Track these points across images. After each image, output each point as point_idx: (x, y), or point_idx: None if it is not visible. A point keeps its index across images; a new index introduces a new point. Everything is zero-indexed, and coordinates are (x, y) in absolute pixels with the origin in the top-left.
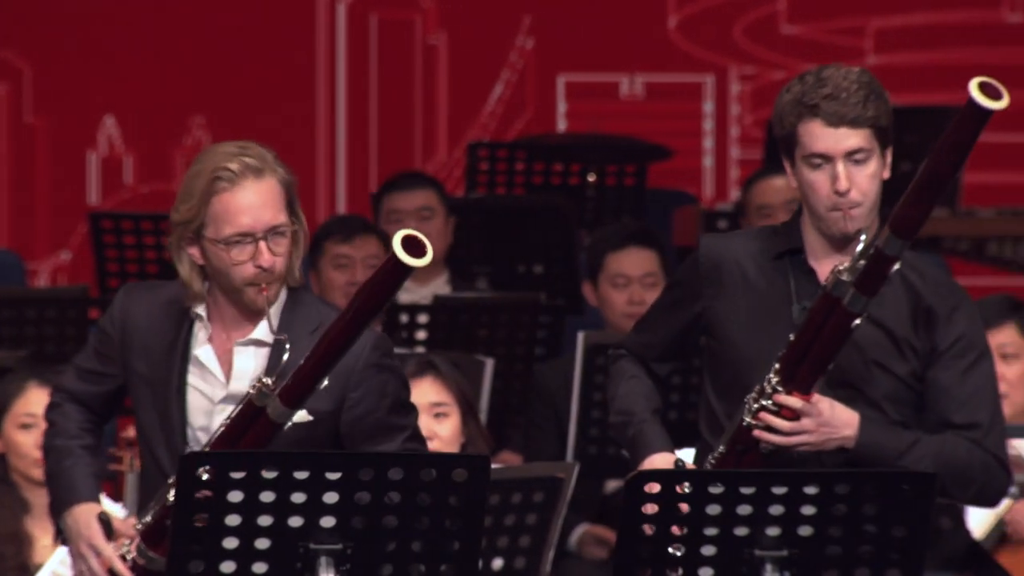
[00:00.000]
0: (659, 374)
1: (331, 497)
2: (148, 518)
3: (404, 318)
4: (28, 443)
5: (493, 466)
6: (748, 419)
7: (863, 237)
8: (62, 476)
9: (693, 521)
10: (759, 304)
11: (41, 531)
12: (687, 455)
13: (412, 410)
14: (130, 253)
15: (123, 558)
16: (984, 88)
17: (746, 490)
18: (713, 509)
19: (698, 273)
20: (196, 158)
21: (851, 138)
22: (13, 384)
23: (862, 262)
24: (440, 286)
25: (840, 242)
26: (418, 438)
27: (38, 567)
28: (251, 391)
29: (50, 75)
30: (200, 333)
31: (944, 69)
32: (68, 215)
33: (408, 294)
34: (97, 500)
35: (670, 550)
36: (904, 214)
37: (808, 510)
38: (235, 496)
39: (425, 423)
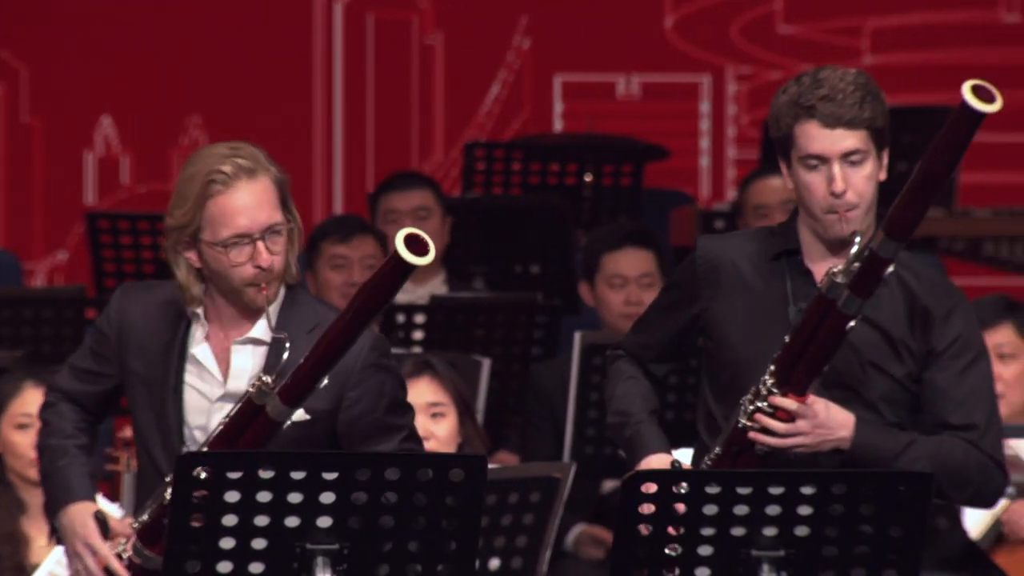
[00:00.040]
0: (656, 375)
1: (328, 497)
2: (145, 517)
3: (401, 318)
4: (24, 443)
5: (490, 466)
6: (744, 421)
7: (858, 239)
8: (57, 475)
9: (690, 521)
10: (756, 305)
11: (37, 531)
12: (684, 455)
13: (409, 410)
14: (127, 253)
15: (119, 557)
16: (977, 91)
17: (743, 490)
18: (710, 509)
19: (695, 275)
20: (187, 162)
21: (847, 139)
22: (9, 384)
23: (856, 264)
24: (437, 286)
25: (836, 243)
26: (415, 438)
27: (34, 567)
28: (250, 389)
29: (47, 75)
30: (197, 332)
31: (941, 69)
32: (65, 215)
33: (405, 294)
34: (93, 499)
35: (667, 550)
36: (898, 216)
37: (805, 510)
38: (232, 496)
39: (422, 423)
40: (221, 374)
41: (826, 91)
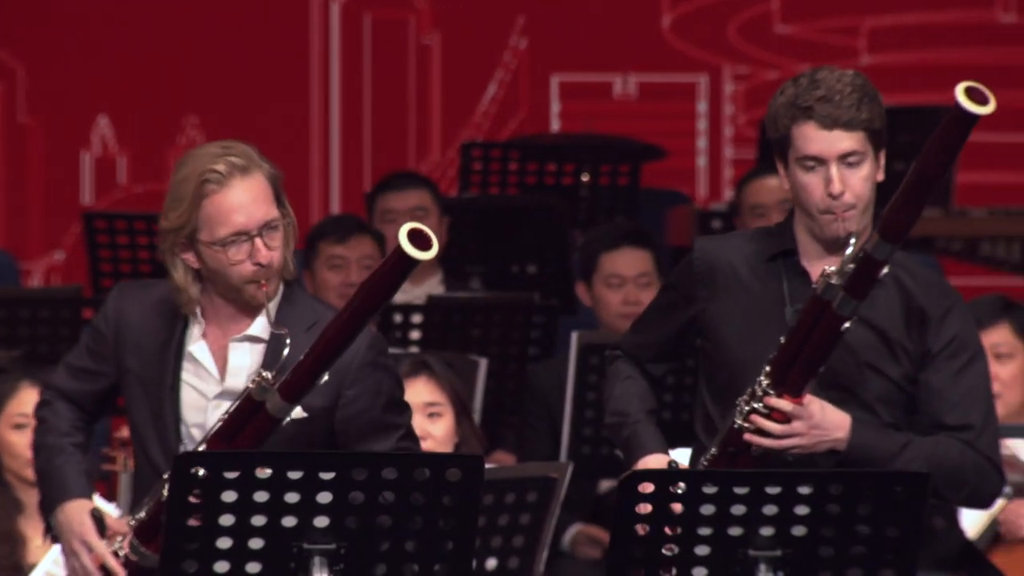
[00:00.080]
0: (654, 375)
1: (325, 497)
2: (142, 514)
3: (398, 318)
4: (21, 443)
5: (487, 466)
6: (739, 422)
7: (853, 240)
8: (53, 473)
9: (687, 521)
10: (753, 306)
11: (34, 531)
12: (682, 455)
13: (406, 409)
14: (124, 253)
15: (115, 555)
16: (970, 93)
17: (740, 490)
18: (707, 509)
19: (692, 276)
20: (179, 163)
21: (845, 141)
22: (6, 384)
23: (851, 266)
24: (434, 286)
25: (833, 244)
26: (412, 437)
27: (31, 567)
28: (250, 385)
29: (44, 75)
30: (194, 330)
31: (937, 69)
32: (62, 215)
33: (402, 294)
34: (89, 497)
35: (664, 550)
36: (892, 218)
37: (802, 510)
38: (229, 496)
39: (419, 423)
40: (218, 372)
41: (823, 92)
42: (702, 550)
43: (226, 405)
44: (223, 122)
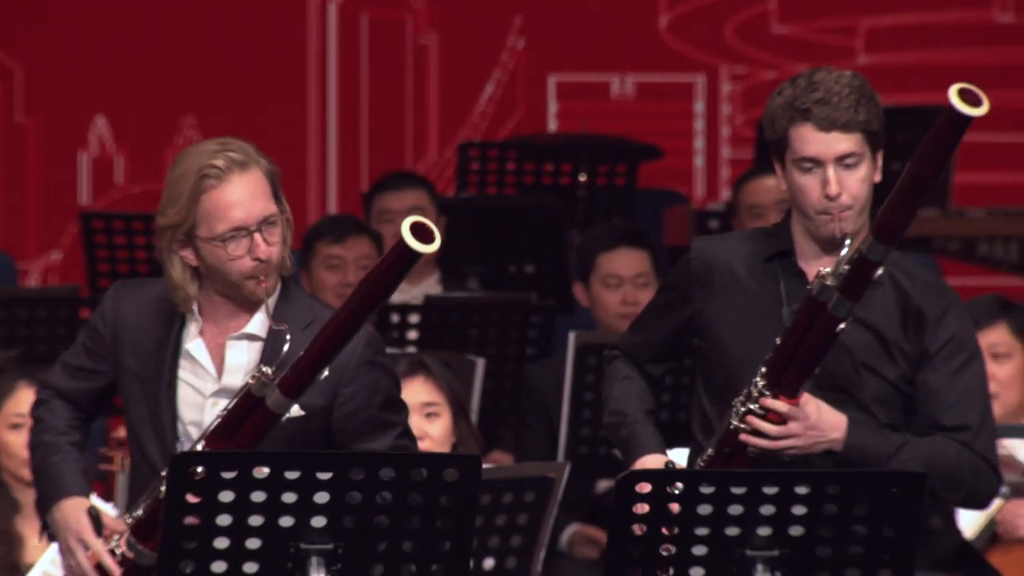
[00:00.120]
0: (653, 375)
1: (322, 497)
2: (139, 512)
3: (395, 318)
4: (18, 443)
5: (484, 466)
6: (735, 423)
7: (848, 241)
8: (50, 471)
9: (684, 521)
10: (750, 307)
11: (31, 531)
12: (680, 455)
13: (403, 407)
14: (121, 253)
15: (112, 553)
16: (964, 94)
17: (737, 490)
18: (704, 509)
19: (689, 276)
20: (175, 161)
21: (842, 142)
22: (3, 384)
23: (846, 267)
24: (431, 286)
25: (830, 245)
26: (409, 435)
27: (29, 567)
28: (250, 381)
29: (41, 75)
30: (191, 327)
31: (935, 69)
32: (59, 215)
33: (399, 294)
34: (86, 495)
35: (661, 550)
36: (886, 219)
37: (799, 510)
38: (226, 496)
39: (416, 423)
40: (215, 369)
41: (821, 94)
42: (699, 550)
43: (223, 403)
44: (221, 122)
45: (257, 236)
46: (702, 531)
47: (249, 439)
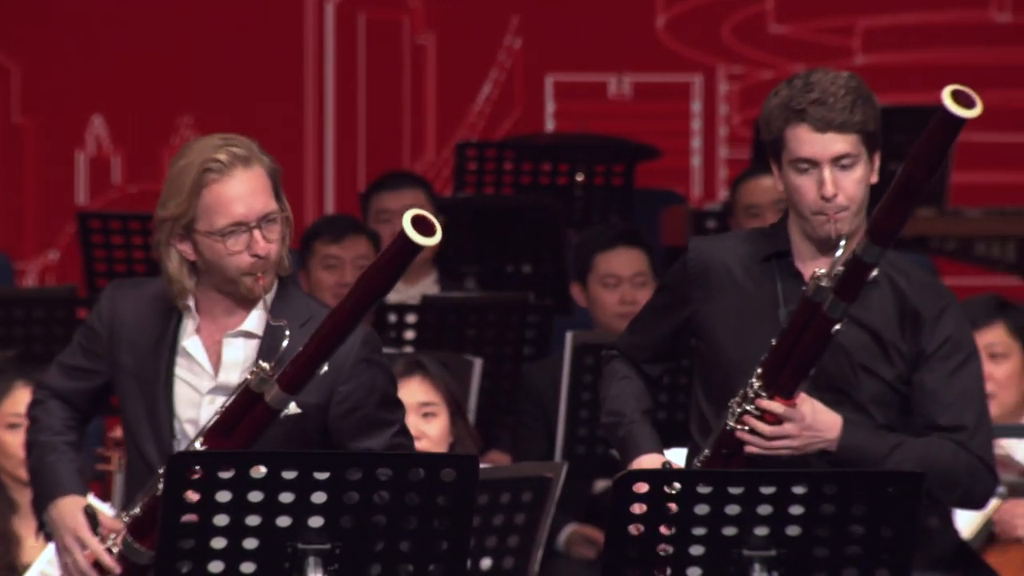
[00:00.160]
0: (651, 375)
1: (319, 497)
2: (136, 510)
3: (392, 318)
4: (15, 443)
5: (481, 466)
6: (732, 423)
7: (843, 243)
8: (46, 470)
9: (681, 521)
10: (747, 307)
11: (29, 531)
12: (677, 455)
13: (400, 406)
14: (118, 253)
15: (109, 552)
16: (957, 96)
17: (734, 490)
18: (701, 509)
19: (687, 276)
20: (178, 153)
21: (838, 143)
22: (0, 384)
23: (840, 268)
24: (428, 286)
25: (826, 245)
26: (406, 434)
27: (26, 567)
28: (249, 376)
29: (38, 75)
30: (188, 325)
31: (933, 69)
32: (56, 215)
33: (396, 294)
34: (83, 494)
35: (658, 550)
36: (881, 221)
37: (796, 510)
38: (223, 496)
39: (413, 423)
40: (212, 367)
41: (817, 95)
42: (696, 550)
43: (220, 400)
44: (218, 122)
45: (256, 232)
46: (699, 531)
47: (247, 436)
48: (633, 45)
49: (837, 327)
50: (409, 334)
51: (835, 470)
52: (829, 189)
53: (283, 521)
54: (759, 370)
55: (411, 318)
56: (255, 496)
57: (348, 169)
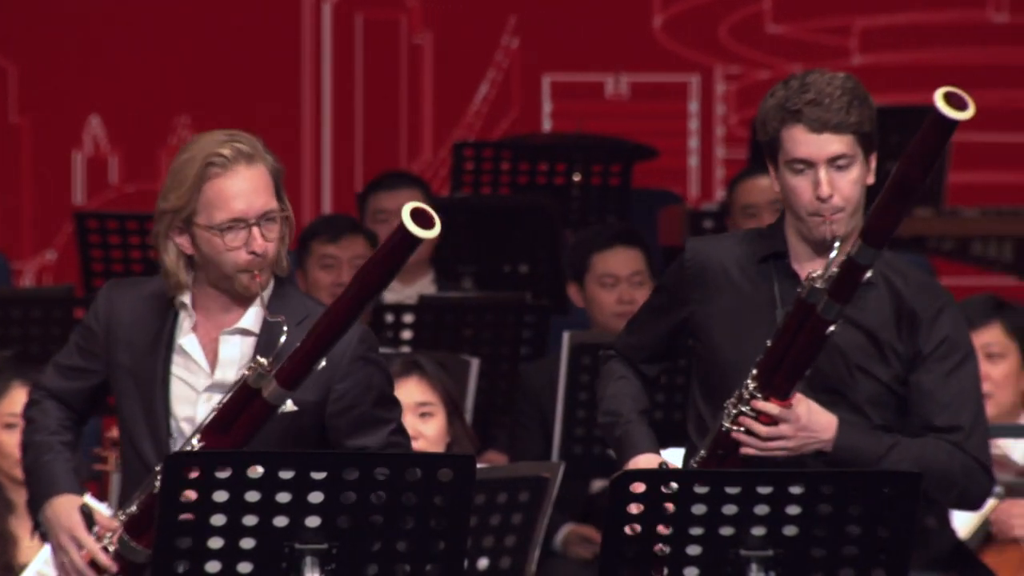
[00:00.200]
0: (648, 375)
1: (316, 497)
2: (132, 508)
3: (389, 318)
4: (12, 443)
5: (479, 466)
6: (727, 424)
7: (837, 244)
8: (42, 470)
9: (678, 521)
10: (744, 308)
11: (25, 531)
12: (674, 455)
13: (397, 404)
14: (115, 253)
15: (105, 550)
16: (949, 98)
17: (731, 490)
18: (698, 509)
19: (684, 277)
20: (183, 147)
21: (833, 144)
22: None
23: (835, 270)
24: (425, 286)
25: (822, 246)
26: (403, 432)
27: (23, 567)
28: (246, 372)
29: (35, 75)
30: (185, 323)
31: (929, 69)
32: (53, 215)
33: (393, 294)
34: (78, 493)
35: (655, 550)
36: (874, 223)
37: (793, 510)
38: (220, 496)
39: (410, 423)
40: (208, 364)
41: (813, 95)
42: (694, 550)
43: (216, 398)
44: (215, 122)
45: (255, 230)
46: (696, 531)
47: (245, 432)
48: (630, 45)
49: (832, 328)
50: (406, 334)
51: (832, 470)
52: (825, 190)
53: (280, 521)
54: (754, 371)
55: (408, 318)
56: (252, 496)
57: (345, 169)
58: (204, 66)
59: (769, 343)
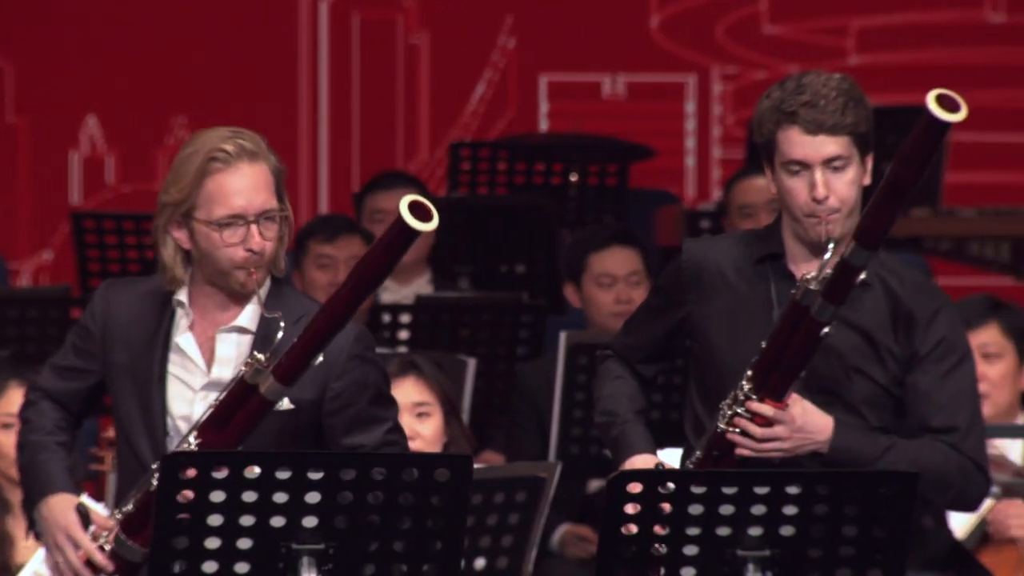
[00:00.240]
0: (645, 375)
1: (313, 497)
2: (129, 506)
3: (386, 318)
4: (9, 443)
5: (475, 466)
6: (722, 425)
7: (831, 246)
8: (37, 469)
9: (675, 521)
10: (740, 309)
11: (22, 531)
12: (670, 455)
13: (393, 403)
14: (112, 253)
15: (101, 549)
16: (941, 100)
17: (728, 490)
18: (695, 509)
19: (680, 278)
20: (187, 141)
21: (829, 145)
22: None
23: (828, 271)
24: (422, 286)
25: (819, 248)
26: (399, 430)
27: (19, 567)
28: (243, 368)
29: (32, 75)
30: (182, 321)
31: (926, 69)
32: (50, 215)
33: (390, 294)
34: (74, 492)
35: (652, 550)
36: (868, 225)
37: (790, 510)
38: (217, 496)
39: (407, 423)
40: (205, 363)
41: (808, 97)
42: (690, 550)
43: (213, 396)
44: (212, 122)
45: (254, 227)
46: (693, 531)
47: (242, 429)
48: (627, 45)
49: (826, 330)
50: (403, 334)
51: (829, 470)
52: (820, 191)
53: (277, 521)
54: (749, 372)
55: (405, 318)
56: (249, 496)
57: (342, 169)
58: (201, 66)
59: (764, 344)
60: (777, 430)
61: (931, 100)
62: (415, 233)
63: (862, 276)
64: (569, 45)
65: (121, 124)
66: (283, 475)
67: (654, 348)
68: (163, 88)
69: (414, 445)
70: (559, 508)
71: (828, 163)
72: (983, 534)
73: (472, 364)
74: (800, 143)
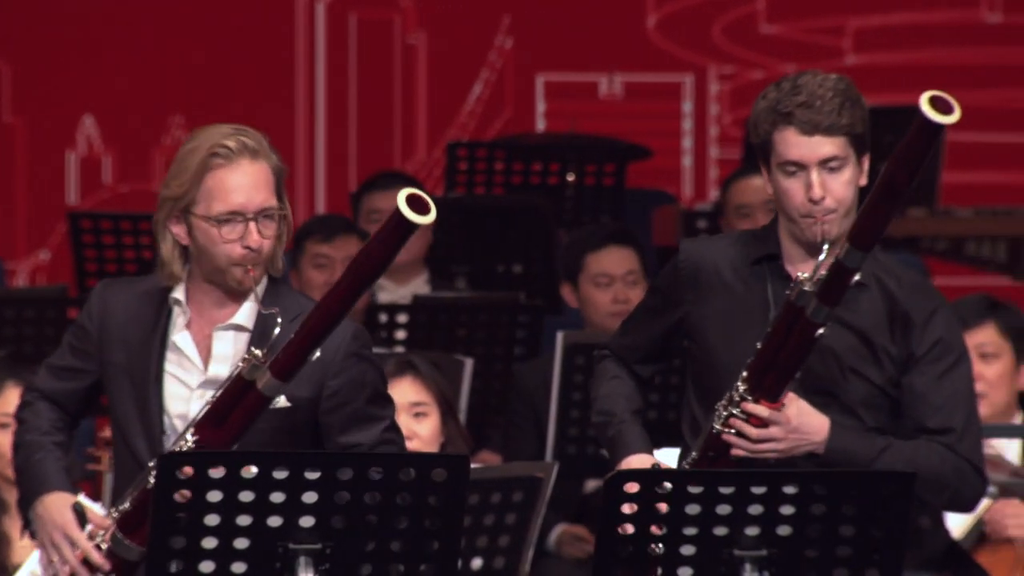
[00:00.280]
0: (642, 375)
1: (310, 497)
2: (126, 505)
3: (383, 318)
4: (5, 443)
5: (472, 466)
6: (718, 426)
7: (826, 247)
8: (33, 468)
9: (672, 521)
10: (737, 309)
11: (19, 531)
12: (667, 455)
13: (390, 402)
14: (109, 253)
15: (97, 548)
16: (935, 102)
17: (725, 490)
18: (692, 509)
19: (678, 279)
20: (189, 136)
21: (825, 146)
22: None
23: (823, 272)
24: (419, 286)
25: (815, 248)
26: (396, 429)
27: (16, 567)
28: (241, 364)
29: (29, 74)
30: (179, 319)
31: (923, 69)
32: (47, 215)
33: (387, 294)
34: (70, 491)
35: (649, 550)
36: (861, 226)
37: (787, 510)
38: (214, 496)
39: (404, 423)
40: (201, 361)
41: (804, 97)
42: (687, 550)
43: (210, 394)
44: (209, 122)
45: (252, 225)
46: (690, 531)
47: (240, 425)
48: (624, 45)
49: (821, 331)
50: (400, 334)
51: (826, 470)
52: (817, 192)
53: (274, 521)
54: (744, 373)
55: (402, 318)
56: (246, 496)
57: (339, 169)
58: (198, 66)
59: (759, 345)
60: (772, 431)
61: (924, 102)
62: (413, 226)
63: (856, 277)
64: (566, 45)
65: (118, 124)
66: (280, 475)
67: (651, 348)
68: (160, 88)
69: (411, 445)
70: (556, 508)
71: (824, 164)
72: (980, 534)
73: (469, 364)
74: (796, 144)
